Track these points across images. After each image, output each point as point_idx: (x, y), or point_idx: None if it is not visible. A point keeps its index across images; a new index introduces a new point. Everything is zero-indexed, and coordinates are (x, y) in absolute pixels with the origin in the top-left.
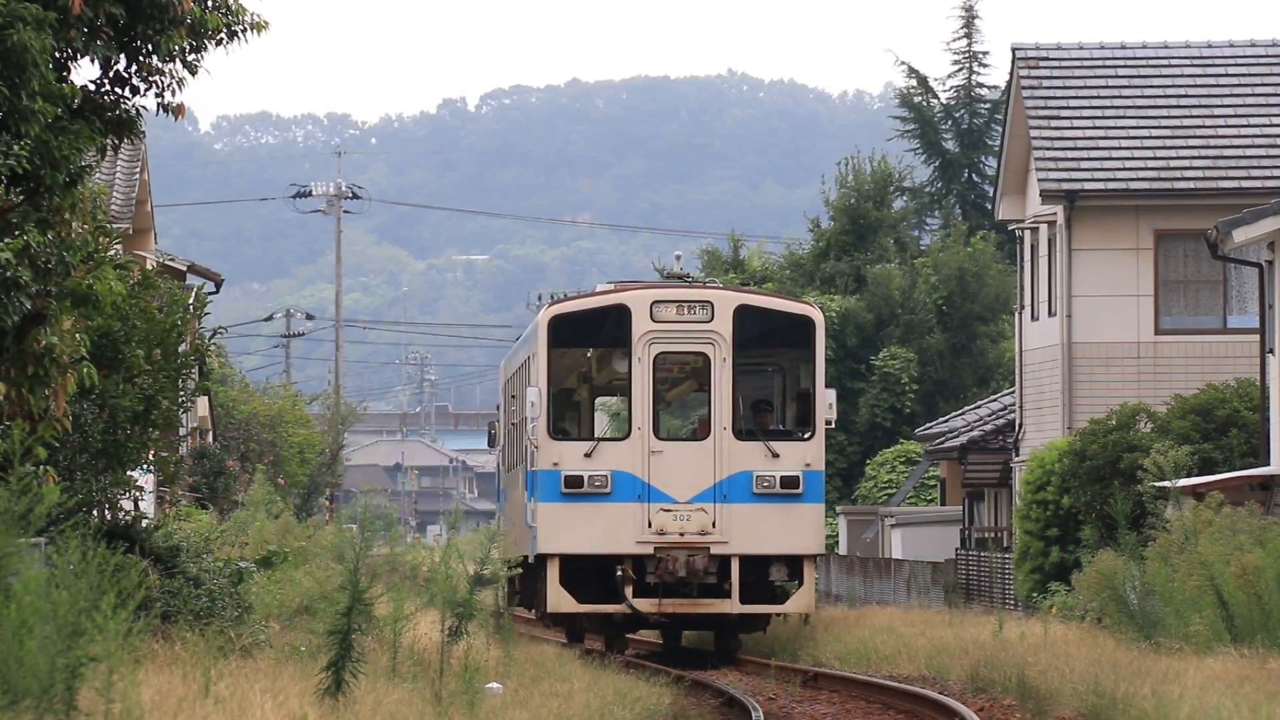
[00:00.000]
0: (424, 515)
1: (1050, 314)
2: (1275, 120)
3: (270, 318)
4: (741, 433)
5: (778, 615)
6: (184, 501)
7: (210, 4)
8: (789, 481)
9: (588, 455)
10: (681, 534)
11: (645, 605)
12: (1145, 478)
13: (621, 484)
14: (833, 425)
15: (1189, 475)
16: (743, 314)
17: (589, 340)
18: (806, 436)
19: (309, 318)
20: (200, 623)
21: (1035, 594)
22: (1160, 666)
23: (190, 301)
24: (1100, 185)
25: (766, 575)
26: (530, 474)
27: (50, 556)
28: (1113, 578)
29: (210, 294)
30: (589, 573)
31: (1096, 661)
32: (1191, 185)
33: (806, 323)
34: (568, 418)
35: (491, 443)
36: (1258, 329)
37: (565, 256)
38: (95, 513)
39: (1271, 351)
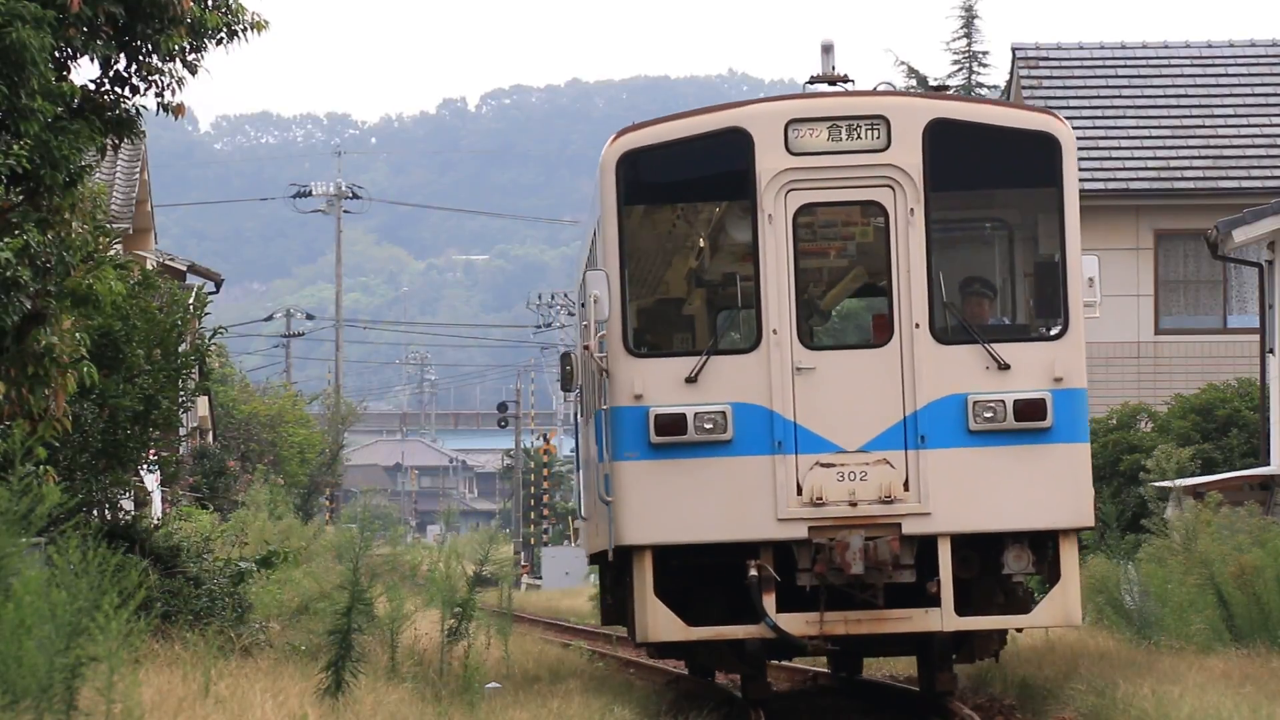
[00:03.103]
0: (424, 515)
1: None
2: (1275, 120)
3: (270, 318)
4: (946, 331)
5: (1017, 631)
6: (185, 501)
7: (210, 4)
8: (1029, 408)
9: (691, 381)
10: (853, 503)
11: (797, 624)
12: (1147, 479)
13: (749, 425)
14: (1097, 312)
15: (1190, 475)
16: (941, 134)
17: (686, 192)
18: (1055, 333)
19: (309, 318)
20: (200, 623)
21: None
22: (1161, 666)
23: (190, 301)
24: (1100, 185)
25: (997, 565)
26: (600, 417)
27: (50, 556)
28: (1105, 581)
29: (210, 294)
30: (702, 574)
31: (1097, 661)
32: (1191, 185)
33: (1047, 144)
34: (656, 320)
35: (566, 384)
36: (1258, 329)
37: (565, 256)
38: (95, 513)
39: (1271, 351)
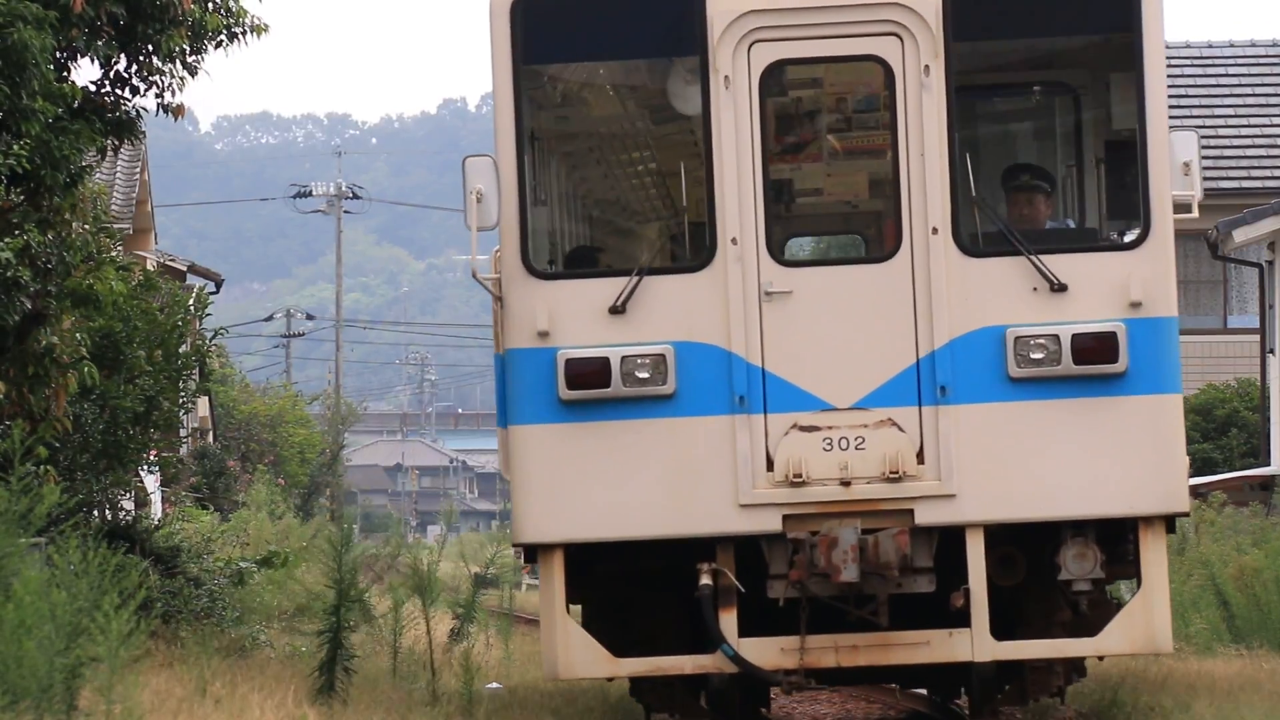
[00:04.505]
0: (424, 515)
1: None
2: (1275, 120)
3: (270, 318)
4: (977, 239)
5: (1099, 660)
6: (185, 502)
7: (211, 5)
8: (1094, 346)
9: (618, 311)
10: (845, 481)
11: (768, 652)
12: None
13: (699, 373)
14: (1196, 210)
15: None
16: None
17: (610, 45)
18: (1131, 241)
19: (309, 318)
20: (200, 623)
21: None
22: (1161, 666)
23: (191, 302)
24: None
25: (1051, 568)
26: (498, 363)
27: (50, 556)
28: None
29: (211, 294)
30: (637, 584)
31: (1096, 660)
32: None
33: None
34: (568, 227)
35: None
36: (1258, 329)
37: None
38: (96, 513)
39: (1271, 351)
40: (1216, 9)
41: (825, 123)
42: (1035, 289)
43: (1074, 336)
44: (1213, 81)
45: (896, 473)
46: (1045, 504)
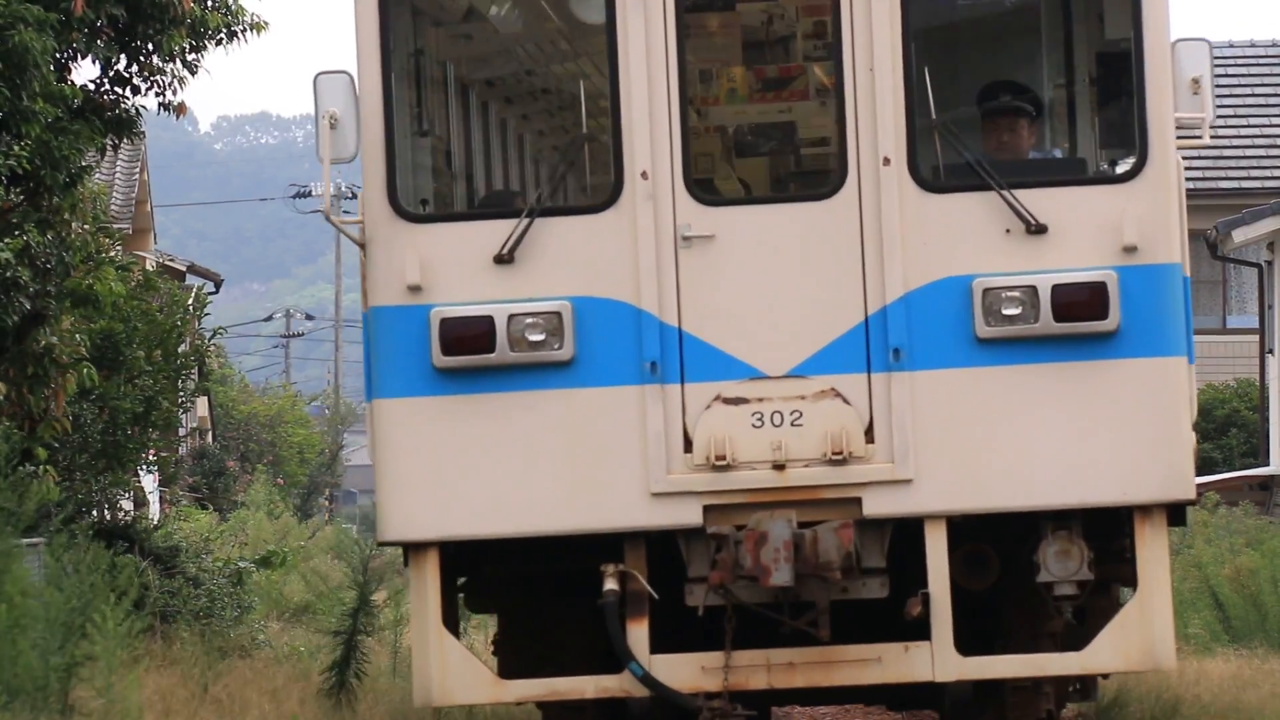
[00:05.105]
0: None
1: None
2: (1275, 120)
3: (270, 318)
4: (938, 171)
5: (1103, 678)
6: (184, 502)
7: (210, 4)
8: (1078, 299)
9: (504, 261)
10: (779, 465)
11: (686, 671)
12: None
13: (602, 335)
14: (1206, 134)
15: None
16: None
17: None
18: (1126, 173)
19: (309, 318)
20: (200, 623)
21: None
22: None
23: (190, 302)
24: None
25: (1029, 567)
26: (365, 322)
27: (43, 555)
28: None
29: (210, 294)
30: (530, 591)
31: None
32: (1191, 185)
33: None
34: (444, 159)
35: None
36: (1257, 329)
37: None
38: (95, 513)
39: (1271, 351)
40: (1216, 9)
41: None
42: (1008, 231)
43: (1055, 288)
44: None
45: (840, 454)
46: (1021, 491)
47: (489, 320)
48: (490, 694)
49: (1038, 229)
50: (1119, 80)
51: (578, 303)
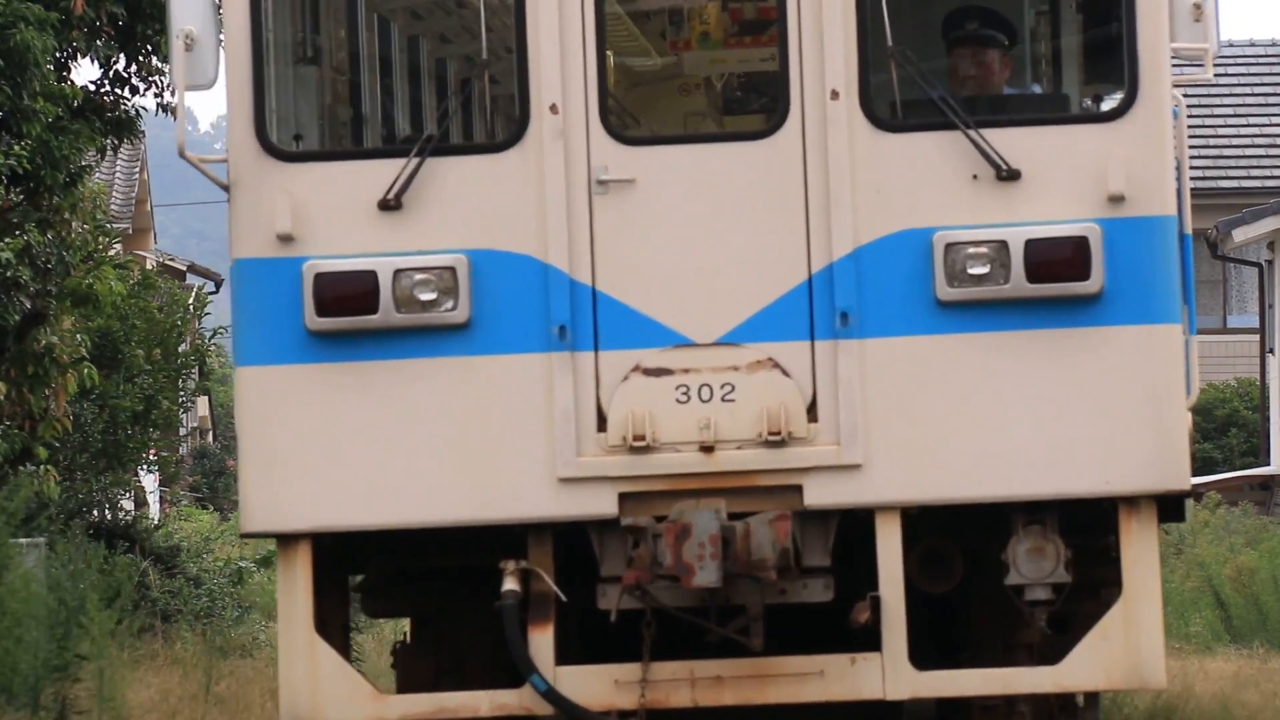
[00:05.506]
0: None
1: None
2: (1275, 120)
3: None
4: (895, 108)
5: (1070, 701)
6: (185, 501)
7: None
8: (1055, 256)
9: (390, 207)
10: (707, 446)
11: (597, 685)
12: None
13: (503, 294)
14: (1209, 69)
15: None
16: None
17: None
18: (1110, 111)
19: None
20: (201, 623)
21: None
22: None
23: (190, 301)
24: None
25: (997, 567)
26: (231, 278)
27: (42, 552)
28: None
29: (210, 294)
30: (438, 592)
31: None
32: (1192, 185)
33: None
34: (319, 91)
35: None
36: (1257, 329)
37: None
38: (96, 513)
39: (1271, 351)
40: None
41: None
42: (975, 177)
43: (1029, 243)
44: (1213, 81)
45: (778, 434)
46: (987, 479)
47: (371, 276)
48: (368, 711)
49: (1009, 175)
50: (1107, 3)
51: (475, 256)
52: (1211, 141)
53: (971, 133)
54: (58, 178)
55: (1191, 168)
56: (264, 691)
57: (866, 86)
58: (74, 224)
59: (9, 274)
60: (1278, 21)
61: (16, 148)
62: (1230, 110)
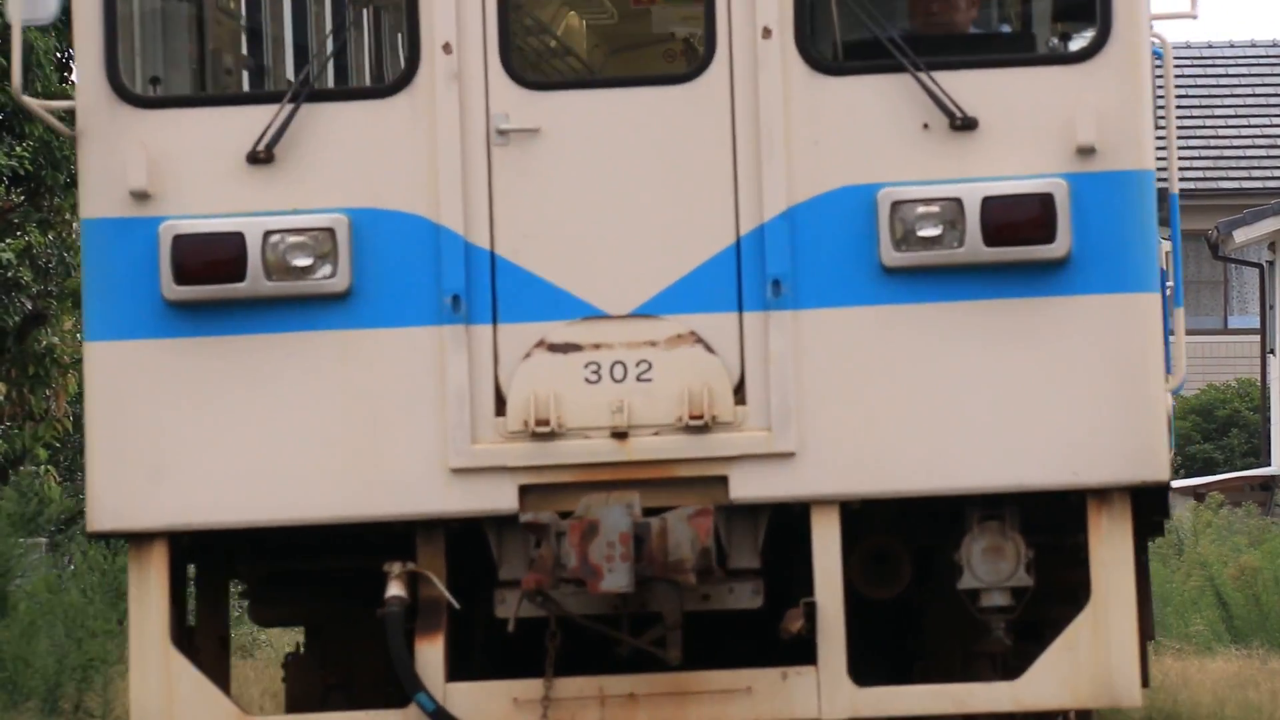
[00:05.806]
0: None
1: None
2: (1275, 120)
3: None
4: (834, 49)
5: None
6: None
7: None
8: (1014, 216)
9: (261, 160)
10: (620, 432)
11: (493, 704)
12: None
13: (390, 259)
14: (1197, 8)
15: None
16: None
17: None
18: (1078, 51)
19: None
20: None
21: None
22: (1161, 666)
23: None
24: None
25: (949, 570)
26: (81, 240)
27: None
28: None
29: None
30: (333, 597)
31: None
32: (1192, 185)
33: None
34: (180, 26)
35: None
36: (1258, 329)
37: None
38: None
39: (1272, 351)
40: (1216, 9)
41: None
42: (926, 126)
43: (986, 201)
44: (1213, 81)
45: (701, 418)
46: (939, 469)
47: (238, 238)
48: None
49: (965, 123)
50: None
51: (357, 216)
52: (1212, 142)
53: (922, 75)
54: (59, 178)
55: (1192, 169)
56: (264, 692)
57: (803, 23)
58: (75, 224)
59: (10, 274)
60: (1278, 22)
61: (18, 148)
62: (1231, 111)
